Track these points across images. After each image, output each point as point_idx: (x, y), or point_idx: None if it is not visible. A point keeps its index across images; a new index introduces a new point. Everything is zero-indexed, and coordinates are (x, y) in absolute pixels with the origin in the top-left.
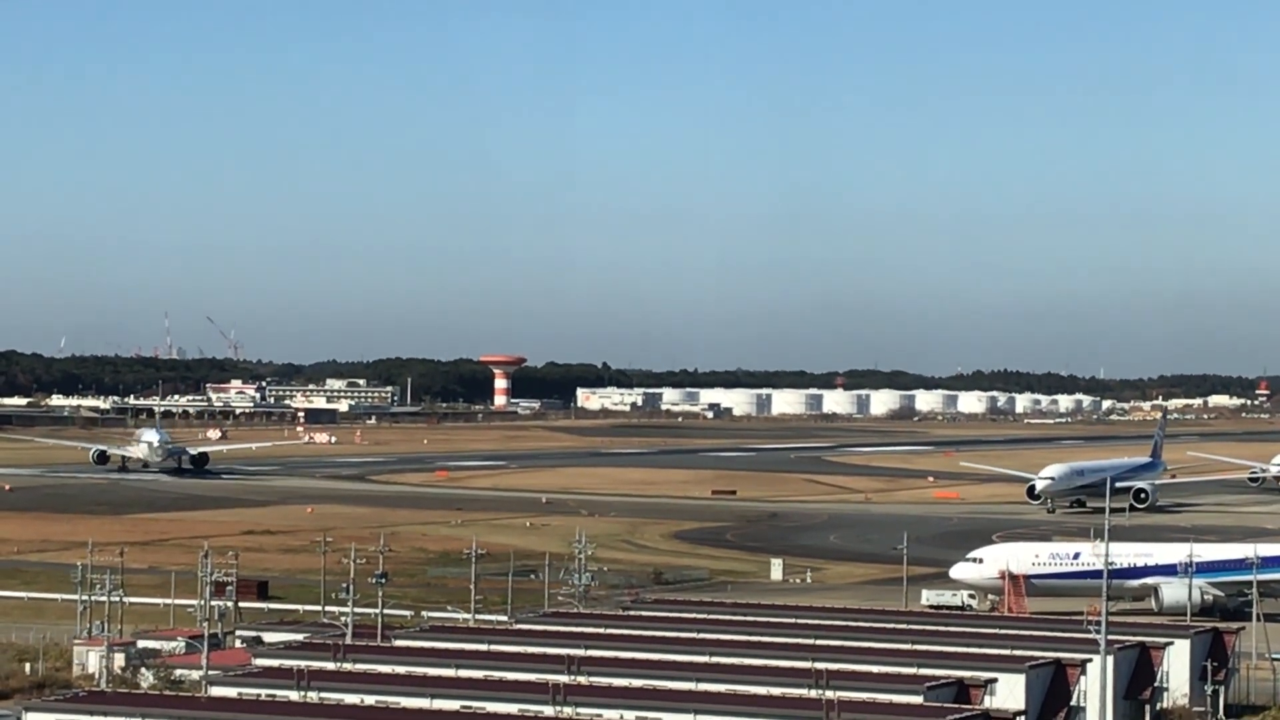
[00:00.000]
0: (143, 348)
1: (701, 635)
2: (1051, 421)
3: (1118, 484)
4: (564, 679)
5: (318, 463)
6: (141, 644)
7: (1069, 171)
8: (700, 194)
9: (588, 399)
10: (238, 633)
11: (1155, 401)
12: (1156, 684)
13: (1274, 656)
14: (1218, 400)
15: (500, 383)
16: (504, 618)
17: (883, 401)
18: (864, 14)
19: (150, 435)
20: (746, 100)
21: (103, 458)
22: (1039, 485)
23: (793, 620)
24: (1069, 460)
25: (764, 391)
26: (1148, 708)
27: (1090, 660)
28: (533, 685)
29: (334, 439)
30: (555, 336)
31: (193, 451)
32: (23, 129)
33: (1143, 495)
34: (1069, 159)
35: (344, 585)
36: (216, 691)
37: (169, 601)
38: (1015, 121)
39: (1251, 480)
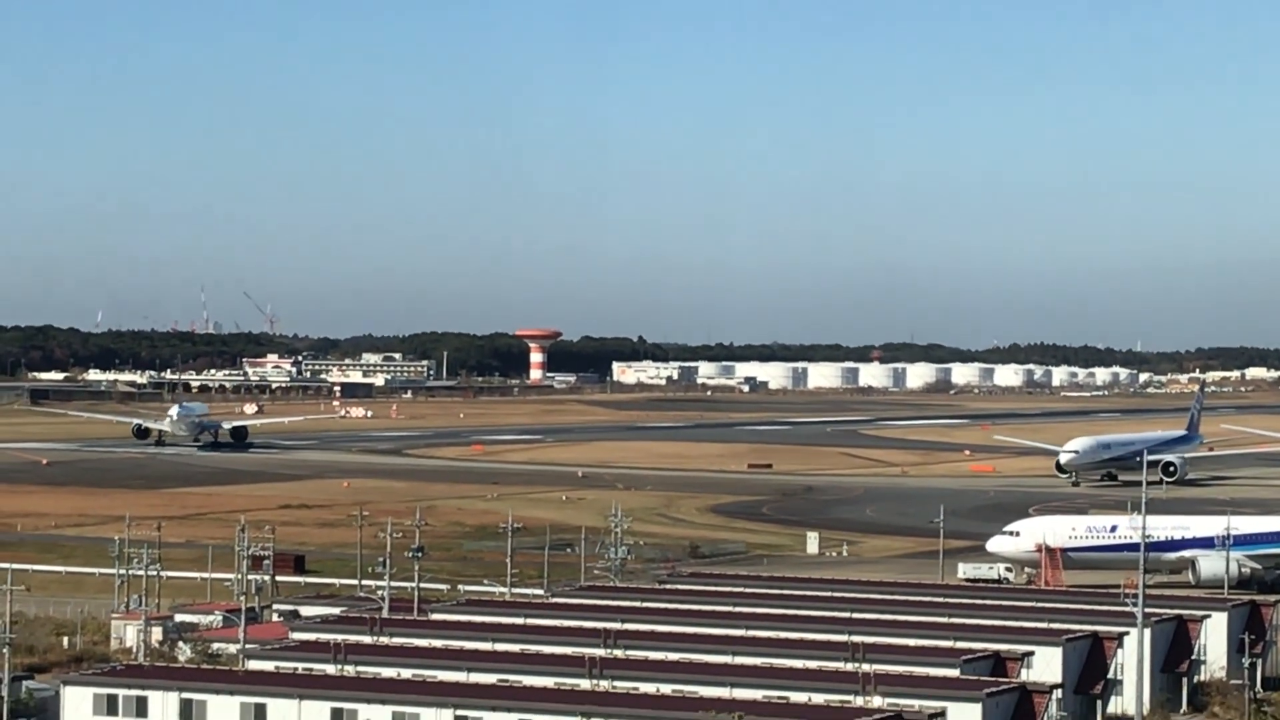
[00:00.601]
0: (179, 322)
1: (738, 609)
2: (1088, 394)
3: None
4: (600, 652)
5: (354, 437)
6: (179, 618)
7: (1105, 143)
8: (736, 168)
9: (623, 373)
10: (275, 607)
11: (1192, 374)
12: (1194, 657)
13: None
14: (1255, 373)
15: (536, 357)
16: (540, 591)
17: (918, 375)
18: None
19: (173, 409)
20: (782, 74)
21: (143, 432)
22: (1063, 458)
23: (829, 594)
24: (1104, 434)
25: (800, 365)
26: (1185, 680)
27: (1127, 633)
28: (569, 659)
29: (370, 413)
30: (591, 310)
31: (229, 425)
32: (59, 105)
33: (1171, 469)
34: (1105, 130)
35: (380, 559)
36: (254, 665)
37: (206, 575)
38: (1050, 93)
39: None
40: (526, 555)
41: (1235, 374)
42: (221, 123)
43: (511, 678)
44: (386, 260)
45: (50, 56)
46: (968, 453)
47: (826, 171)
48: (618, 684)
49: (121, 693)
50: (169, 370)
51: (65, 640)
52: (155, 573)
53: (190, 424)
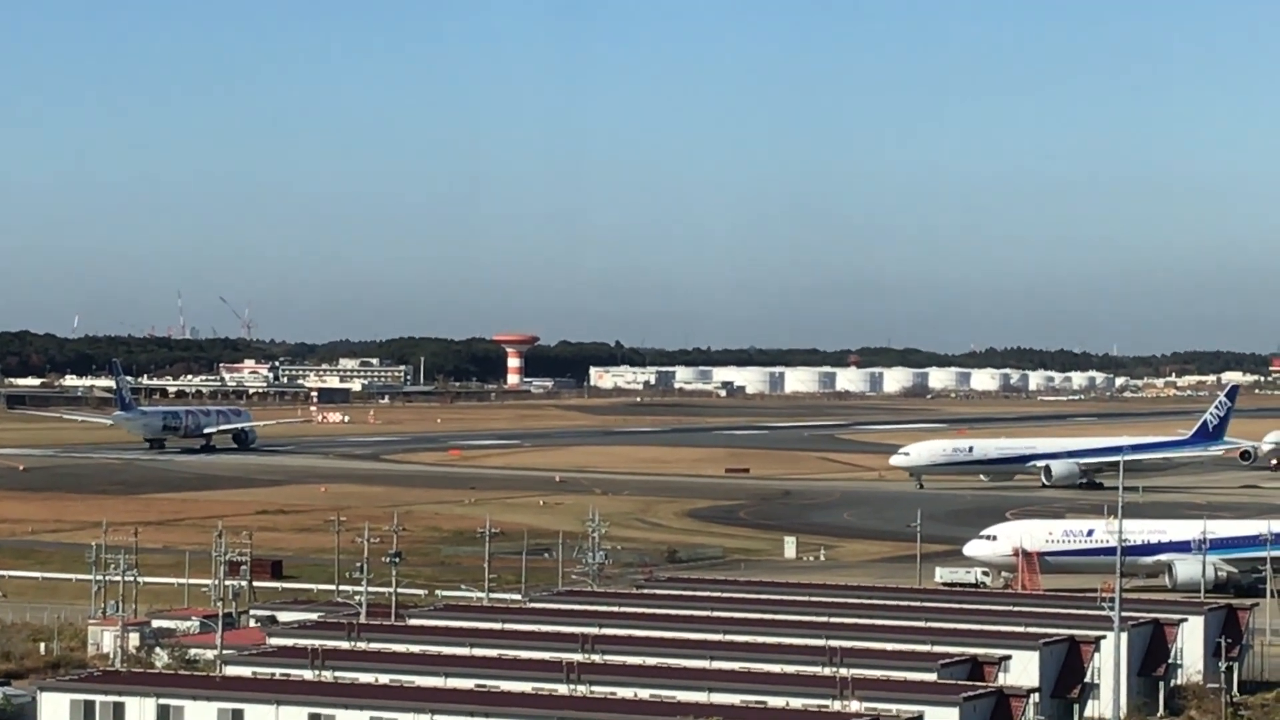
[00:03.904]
0: (156, 327)
1: (715, 613)
2: (1065, 398)
3: (1030, 463)
4: (578, 657)
5: (331, 442)
6: (156, 624)
7: (1081, 146)
8: (712, 173)
9: (601, 378)
10: (252, 612)
11: (1168, 378)
12: (1170, 661)
13: None
14: (1230, 377)
15: (513, 362)
16: (518, 596)
17: (895, 379)
18: None
19: (120, 412)
20: (758, 78)
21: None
22: (894, 460)
23: (806, 598)
24: (1124, 436)
25: (777, 369)
26: (1162, 684)
27: (1104, 637)
28: (547, 664)
29: (347, 418)
30: (568, 315)
31: (214, 429)
32: (37, 105)
33: (1049, 473)
34: (1081, 133)
35: (358, 564)
36: (231, 671)
37: (183, 581)
38: (1025, 97)
39: (1243, 458)
40: (504, 560)
41: (1211, 378)
42: (198, 128)
43: (489, 683)
44: (364, 265)
45: (27, 59)
46: None
47: (802, 177)
48: (595, 689)
49: (99, 698)
50: (145, 376)
51: (42, 646)
52: (132, 578)
53: (142, 426)
